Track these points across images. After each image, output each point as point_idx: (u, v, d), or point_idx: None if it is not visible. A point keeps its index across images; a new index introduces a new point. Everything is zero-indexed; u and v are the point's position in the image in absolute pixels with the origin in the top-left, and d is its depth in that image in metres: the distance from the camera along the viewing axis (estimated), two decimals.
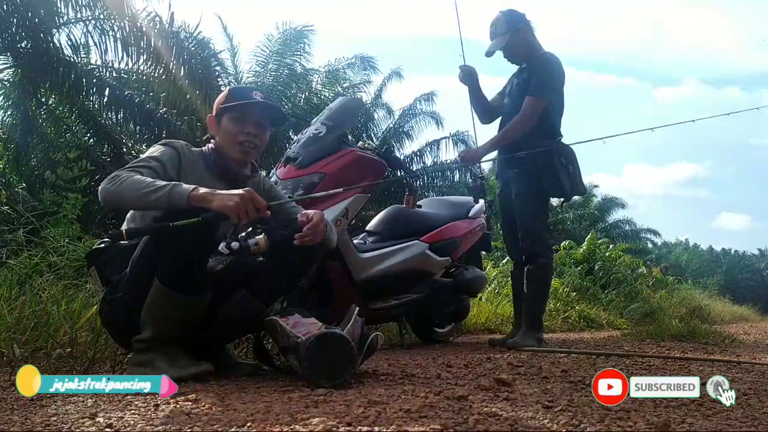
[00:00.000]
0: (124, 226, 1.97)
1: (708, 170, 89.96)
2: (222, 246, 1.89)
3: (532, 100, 3.26)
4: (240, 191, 1.81)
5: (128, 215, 2.08)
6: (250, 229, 1.94)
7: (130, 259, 1.94)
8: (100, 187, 1.88)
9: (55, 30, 6.87)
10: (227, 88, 2.30)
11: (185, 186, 1.82)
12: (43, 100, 7.39)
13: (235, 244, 1.88)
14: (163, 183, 1.82)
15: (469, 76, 3.51)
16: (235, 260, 2.18)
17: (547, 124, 3.30)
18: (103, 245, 2.06)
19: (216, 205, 1.78)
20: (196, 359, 1.95)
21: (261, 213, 1.83)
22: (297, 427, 1.25)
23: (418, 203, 3.60)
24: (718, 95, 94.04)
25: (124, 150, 7.92)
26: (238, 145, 2.11)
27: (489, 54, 3.45)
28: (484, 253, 4.33)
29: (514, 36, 3.36)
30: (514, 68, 3.54)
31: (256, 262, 2.01)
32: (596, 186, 22.41)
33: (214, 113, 2.18)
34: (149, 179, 1.85)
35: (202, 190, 1.81)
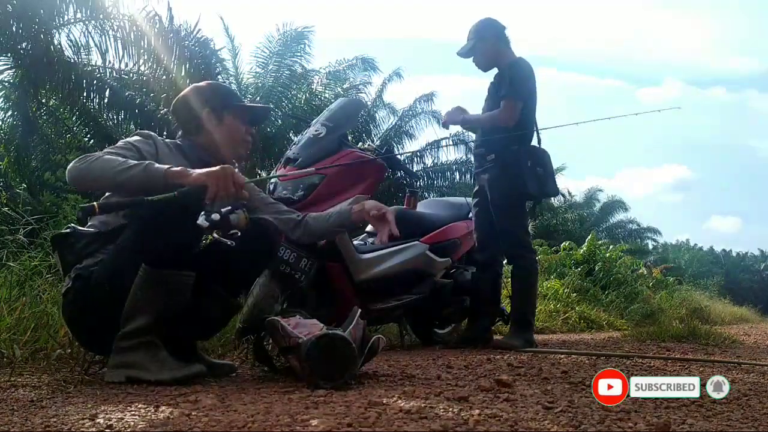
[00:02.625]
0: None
1: (698, 172, 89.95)
2: (201, 219, 1.78)
3: (506, 103, 3.30)
4: (219, 166, 1.77)
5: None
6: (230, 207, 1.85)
7: (99, 249, 1.86)
8: (68, 168, 1.81)
9: (55, 31, 6.88)
10: (228, 84, 2.28)
11: (160, 165, 1.77)
12: (43, 101, 7.39)
13: (215, 216, 1.79)
14: (138, 162, 1.79)
15: (452, 120, 3.59)
16: (212, 242, 2.10)
17: (515, 127, 3.32)
18: (68, 230, 1.97)
19: (193, 178, 1.74)
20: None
21: (238, 190, 1.78)
22: (297, 428, 1.25)
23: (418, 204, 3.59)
24: (703, 95, 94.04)
25: None
26: (239, 145, 2.11)
27: (459, 54, 3.50)
28: None
29: (479, 44, 3.42)
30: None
31: (229, 240, 1.85)
32: (600, 190, 22.58)
33: (211, 107, 2.13)
34: (122, 159, 1.81)
35: (179, 167, 1.78)
